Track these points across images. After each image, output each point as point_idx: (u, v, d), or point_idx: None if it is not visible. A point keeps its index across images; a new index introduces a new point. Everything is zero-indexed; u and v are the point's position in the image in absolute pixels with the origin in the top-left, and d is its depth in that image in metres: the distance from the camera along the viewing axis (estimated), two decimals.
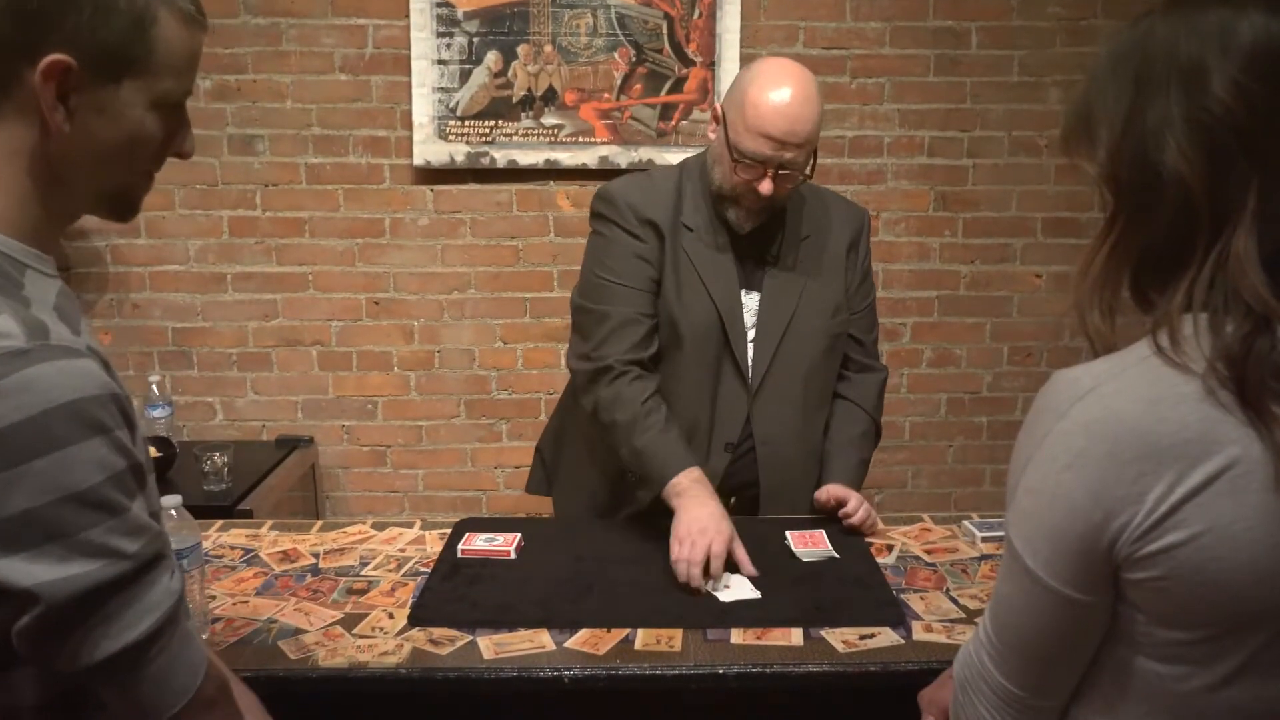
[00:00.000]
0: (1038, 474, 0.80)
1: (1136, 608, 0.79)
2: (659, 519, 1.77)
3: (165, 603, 0.87)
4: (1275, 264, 0.75)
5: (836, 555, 1.65)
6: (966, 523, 1.77)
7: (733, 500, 1.79)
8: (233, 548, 1.71)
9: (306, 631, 1.43)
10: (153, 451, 2.21)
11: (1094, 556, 0.78)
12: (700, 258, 1.76)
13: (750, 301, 1.79)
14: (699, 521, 1.56)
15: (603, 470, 1.86)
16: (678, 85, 2.84)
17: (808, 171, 1.70)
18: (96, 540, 0.82)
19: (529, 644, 1.39)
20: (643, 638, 1.41)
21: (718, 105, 1.75)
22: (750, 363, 1.79)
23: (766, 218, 1.76)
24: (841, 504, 1.74)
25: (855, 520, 1.73)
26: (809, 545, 1.67)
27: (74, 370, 0.81)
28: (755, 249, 1.80)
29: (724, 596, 1.51)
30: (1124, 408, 0.76)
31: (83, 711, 0.91)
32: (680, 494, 1.62)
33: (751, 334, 1.79)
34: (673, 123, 2.86)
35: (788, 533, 1.71)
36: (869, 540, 1.72)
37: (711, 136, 1.76)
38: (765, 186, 1.65)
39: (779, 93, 1.62)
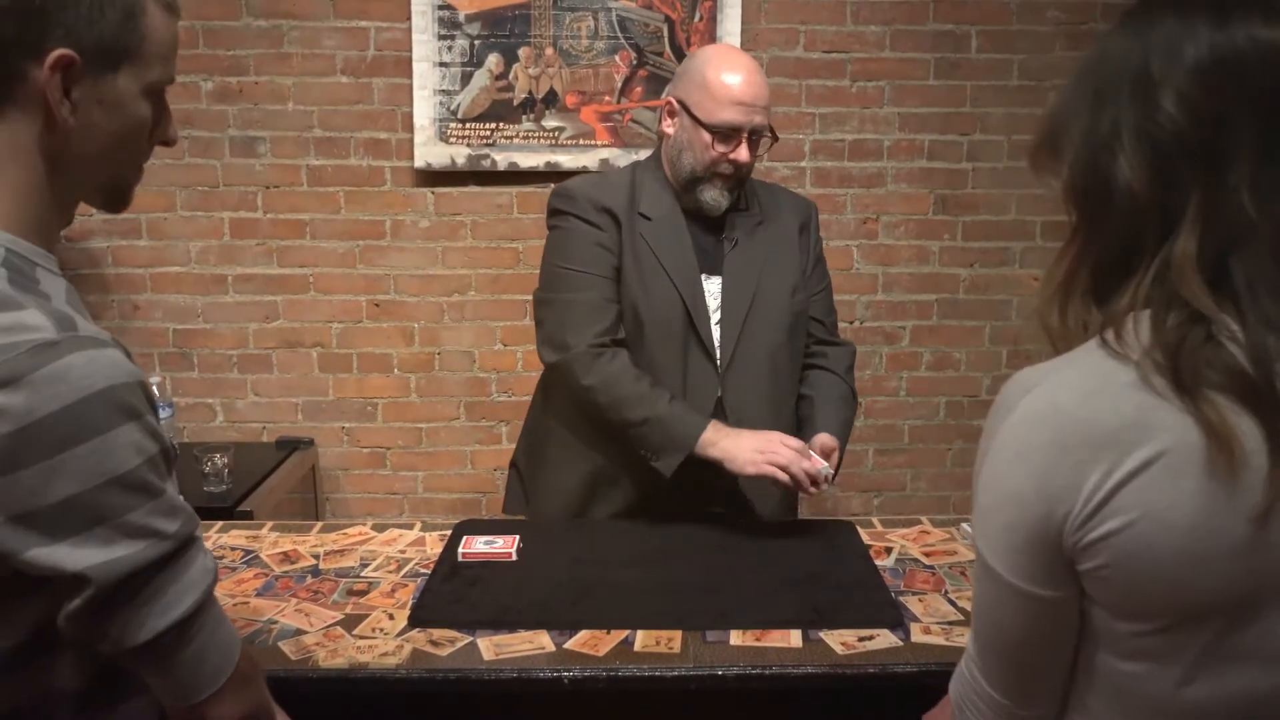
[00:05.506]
0: (990, 471, 0.82)
1: (1093, 600, 0.80)
2: (650, 518, 1.80)
3: (204, 580, 0.90)
4: (1218, 266, 0.76)
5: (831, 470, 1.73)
6: (965, 525, 1.78)
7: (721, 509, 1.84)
8: (233, 549, 1.72)
9: (307, 632, 1.43)
10: None
11: (1046, 548, 0.79)
12: (660, 244, 1.83)
13: (712, 285, 1.85)
14: (755, 441, 1.69)
15: (578, 470, 1.89)
16: None
17: (773, 135, 1.83)
18: (139, 522, 0.84)
19: (529, 645, 1.40)
20: (642, 639, 1.41)
21: (670, 99, 1.84)
22: (718, 343, 1.84)
23: (737, 194, 1.85)
24: (830, 453, 1.78)
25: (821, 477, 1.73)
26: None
27: (104, 359, 0.83)
28: (713, 235, 1.87)
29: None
30: (1064, 399, 0.78)
31: (120, 695, 0.93)
32: (717, 441, 1.71)
33: (716, 316, 1.85)
34: None
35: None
36: (867, 544, 1.73)
37: (668, 130, 1.85)
38: (743, 153, 1.77)
39: (737, 66, 1.78)
